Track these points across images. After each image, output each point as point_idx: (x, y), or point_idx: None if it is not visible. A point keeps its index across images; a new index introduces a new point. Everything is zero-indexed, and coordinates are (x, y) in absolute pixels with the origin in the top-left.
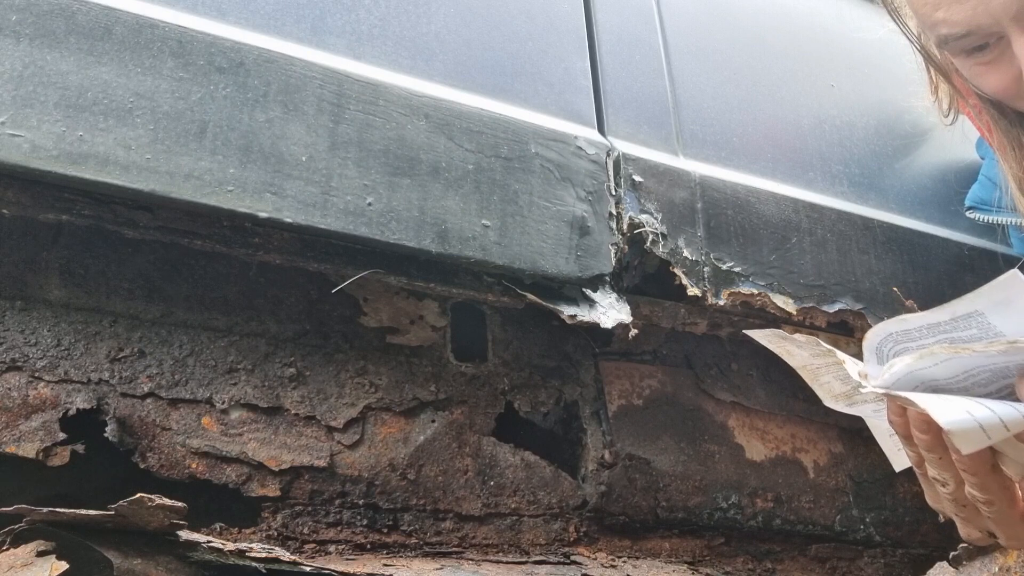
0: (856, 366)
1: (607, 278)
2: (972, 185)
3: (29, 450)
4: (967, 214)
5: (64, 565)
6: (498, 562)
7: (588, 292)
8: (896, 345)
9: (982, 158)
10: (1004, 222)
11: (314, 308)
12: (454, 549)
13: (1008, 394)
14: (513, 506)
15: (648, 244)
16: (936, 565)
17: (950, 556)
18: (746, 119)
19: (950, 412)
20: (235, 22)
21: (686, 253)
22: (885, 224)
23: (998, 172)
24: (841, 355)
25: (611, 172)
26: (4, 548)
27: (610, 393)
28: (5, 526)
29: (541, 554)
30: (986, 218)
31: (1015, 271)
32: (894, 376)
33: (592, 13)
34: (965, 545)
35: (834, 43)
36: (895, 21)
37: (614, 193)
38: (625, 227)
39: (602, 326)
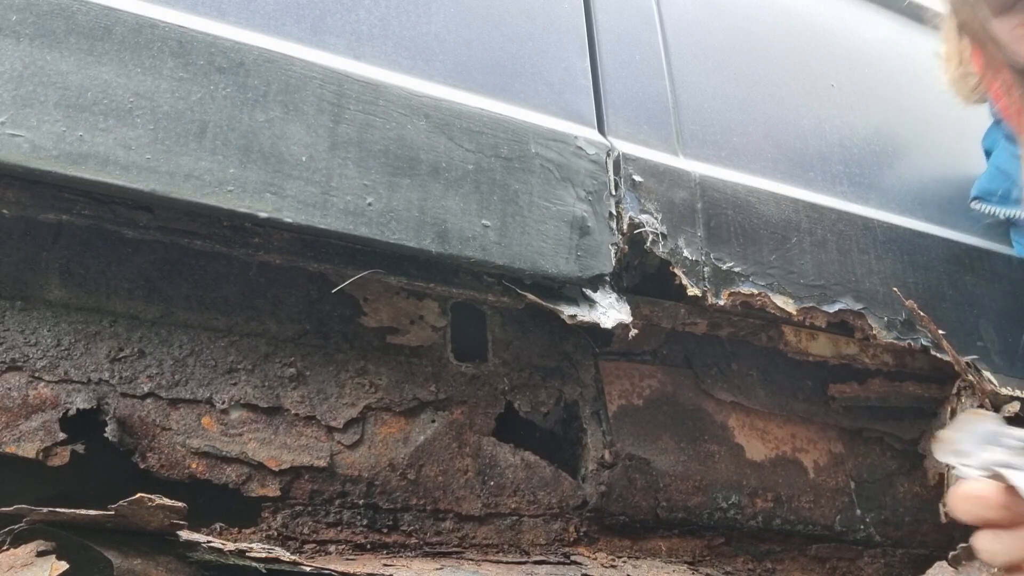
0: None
1: (607, 278)
2: (977, 178)
3: (29, 450)
4: (972, 205)
5: (64, 565)
6: (498, 562)
7: (588, 292)
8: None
9: (988, 151)
10: (1013, 215)
11: (314, 308)
12: (454, 549)
13: None
14: (513, 506)
15: (648, 244)
16: (935, 565)
17: (949, 556)
18: (746, 119)
19: None
20: (235, 22)
21: (686, 253)
22: (885, 224)
23: (1014, 164)
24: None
25: (611, 172)
26: (4, 548)
27: (610, 393)
28: (5, 526)
29: (541, 554)
30: (992, 209)
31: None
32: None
33: (592, 13)
34: (965, 545)
35: (834, 43)
36: None
37: (614, 193)
38: (625, 227)
39: (602, 326)
